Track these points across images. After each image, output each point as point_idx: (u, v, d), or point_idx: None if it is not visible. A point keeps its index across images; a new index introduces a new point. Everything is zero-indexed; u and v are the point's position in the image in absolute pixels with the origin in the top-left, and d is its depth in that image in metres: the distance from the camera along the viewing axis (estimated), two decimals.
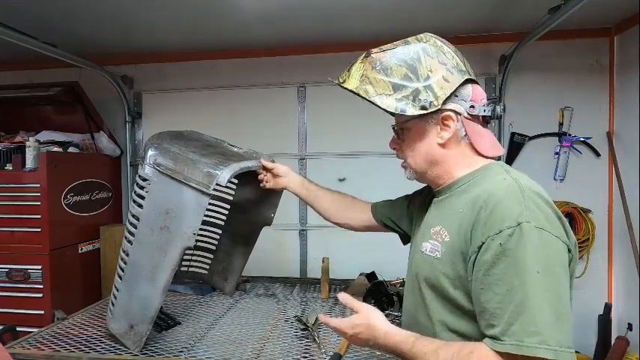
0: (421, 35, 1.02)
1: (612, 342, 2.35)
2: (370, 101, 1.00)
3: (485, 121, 1.04)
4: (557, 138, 2.62)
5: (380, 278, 1.98)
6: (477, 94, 1.01)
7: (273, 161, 1.61)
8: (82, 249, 2.61)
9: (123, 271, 1.44)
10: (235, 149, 1.68)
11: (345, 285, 2.16)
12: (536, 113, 2.63)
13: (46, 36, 2.24)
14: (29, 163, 2.32)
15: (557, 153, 2.62)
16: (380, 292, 1.82)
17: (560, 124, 2.61)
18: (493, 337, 0.80)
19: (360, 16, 2.26)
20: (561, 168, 2.62)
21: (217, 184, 1.33)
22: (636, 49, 2.28)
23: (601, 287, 2.60)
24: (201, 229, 1.95)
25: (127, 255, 1.42)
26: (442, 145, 1.01)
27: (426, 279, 0.99)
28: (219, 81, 2.92)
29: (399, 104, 0.97)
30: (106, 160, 2.94)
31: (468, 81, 0.99)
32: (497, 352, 0.79)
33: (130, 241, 1.42)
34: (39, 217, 2.32)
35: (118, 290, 1.47)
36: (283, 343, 1.52)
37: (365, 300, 1.75)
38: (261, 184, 1.61)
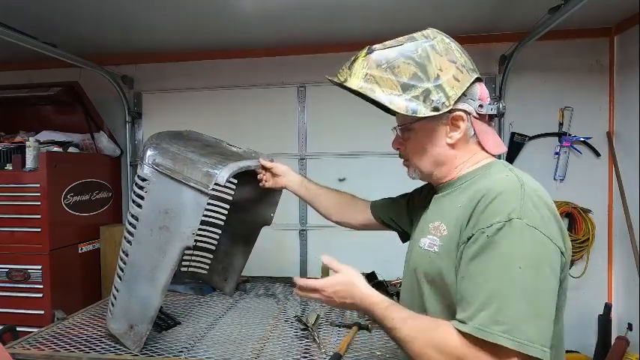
0: (427, 31, 0.98)
1: (612, 342, 2.35)
2: (377, 102, 0.95)
3: (489, 119, 1.03)
4: (557, 138, 2.62)
5: (380, 278, 1.98)
6: (483, 92, 0.99)
7: (272, 160, 1.61)
8: (82, 249, 2.61)
9: (122, 271, 1.44)
10: (234, 149, 1.68)
11: None
12: (536, 113, 2.63)
13: (46, 36, 2.24)
14: (29, 163, 2.32)
15: (557, 153, 2.62)
16: None
17: (560, 124, 2.61)
18: (461, 321, 0.80)
19: (360, 16, 2.26)
20: (561, 168, 2.62)
21: (216, 184, 1.33)
22: (636, 49, 2.29)
23: (601, 287, 2.60)
24: (200, 229, 1.95)
25: (127, 255, 1.42)
26: (451, 146, 0.99)
27: (426, 274, 0.98)
28: (219, 81, 2.92)
29: (410, 105, 0.93)
30: (106, 160, 2.94)
31: (474, 79, 0.98)
32: (460, 332, 0.79)
33: (129, 241, 1.41)
34: (39, 217, 2.32)
35: (117, 290, 1.46)
36: (283, 343, 1.52)
37: None
38: (261, 184, 1.61)
